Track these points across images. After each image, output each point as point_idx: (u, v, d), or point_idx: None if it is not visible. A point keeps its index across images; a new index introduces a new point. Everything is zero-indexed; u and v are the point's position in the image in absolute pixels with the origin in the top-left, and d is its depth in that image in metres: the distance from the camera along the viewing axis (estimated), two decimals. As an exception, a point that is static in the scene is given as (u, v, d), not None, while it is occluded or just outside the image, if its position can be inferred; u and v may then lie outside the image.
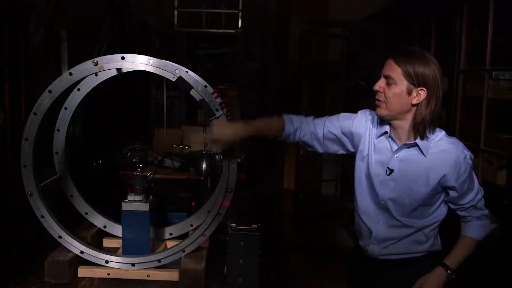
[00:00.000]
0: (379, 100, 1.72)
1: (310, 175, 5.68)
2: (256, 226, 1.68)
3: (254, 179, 3.45)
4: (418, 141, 1.71)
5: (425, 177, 1.73)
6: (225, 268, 1.70)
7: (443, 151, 1.71)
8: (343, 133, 1.86)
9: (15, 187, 1.83)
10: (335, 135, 1.86)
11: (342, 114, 1.89)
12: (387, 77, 1.69)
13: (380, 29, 4.78)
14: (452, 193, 1.76)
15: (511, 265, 2.52)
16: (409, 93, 1.67)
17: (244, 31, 5.55)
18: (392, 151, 1.77)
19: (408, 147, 1.74)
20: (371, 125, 1.83)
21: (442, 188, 1.76)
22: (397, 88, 1.67)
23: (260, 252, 1.68)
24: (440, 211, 1.82)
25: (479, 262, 2.77)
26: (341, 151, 1.91)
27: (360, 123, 1.84)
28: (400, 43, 4.28)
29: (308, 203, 5.64)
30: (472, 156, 1.76)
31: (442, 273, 1.80)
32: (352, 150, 1.88)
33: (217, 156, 2.32)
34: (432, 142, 1.72)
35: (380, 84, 1.71)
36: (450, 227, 1.88)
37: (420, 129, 1.69)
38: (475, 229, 1.82)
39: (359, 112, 1.88)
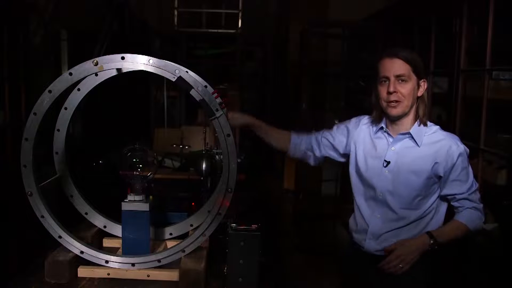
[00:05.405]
0: (395, 101, 1.80)
1: (310, 175, 5.67)
2: (256, 226, 1.68)
3: (254, 179, 3.45)
4: (411, 130, 1.82)
5: (420, 166, 1.79)
6: (225, 268, 1.69)
7: (436, 141, 1.80)
8: (336, 138, 2.05)
9: (15, 187, 1.83)
10: (328, 141, 2.06)
11: (338, 124, 2.08)
12: (399, 76, 1.78)
13: (380, 29, 4.78)
14: (443, 181, 1.82)
15: (511, 265, 2.52)
16: (418, 86, 1.80)
17: (244, 31, 5.56)
18: (388, 144, 1.87)
19: (403, 138, 1.84)
20: (365, 126, 1.97)
21: (437, 177, 1.81)
22: (410, 84, 1.78)
23: (260, 252, 1.68)
24: (434, 203, 1.87)
25: (479, 262, 2.78)
26: (334, 155, 2.09)
27: (352, 127, 2.01)
28: (400, 43, 4.28)
29: (308, 203, 5.63)
30: (467, 150, 1.82)
31: (425, 239, 1.79)
32: (342, 152, 2.06)
33: (217, 156, 2.32)
34: (426, 134, 1.82)
35: (395, 85, 1.78)
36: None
37: (423, 117, 1.82)
38: (466, 216, 1.85)
39: (352, 119, 2.04)
